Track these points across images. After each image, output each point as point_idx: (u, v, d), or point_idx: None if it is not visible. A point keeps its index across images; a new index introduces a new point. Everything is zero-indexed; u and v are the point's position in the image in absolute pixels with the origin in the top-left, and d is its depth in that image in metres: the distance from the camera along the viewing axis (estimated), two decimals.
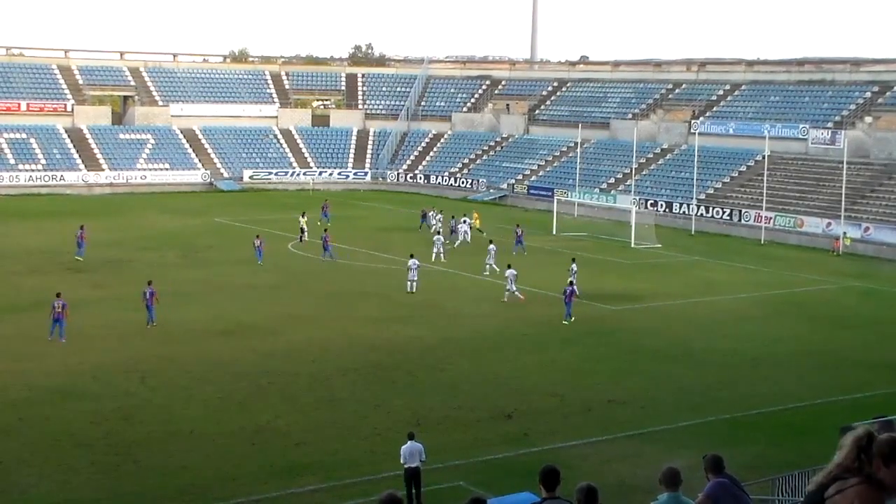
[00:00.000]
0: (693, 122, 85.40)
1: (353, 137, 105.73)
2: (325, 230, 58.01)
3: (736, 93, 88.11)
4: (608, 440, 27.46)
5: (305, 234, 60.36)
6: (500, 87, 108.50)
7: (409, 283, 46.12)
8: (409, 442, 22.96)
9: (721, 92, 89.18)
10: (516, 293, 44.89)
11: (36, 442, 26.48)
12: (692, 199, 73.30)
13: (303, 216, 61.73)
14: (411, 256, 47.31)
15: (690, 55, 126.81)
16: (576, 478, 21.52)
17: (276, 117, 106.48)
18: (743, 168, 77.96)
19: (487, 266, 51.03)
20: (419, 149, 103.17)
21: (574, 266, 46.79)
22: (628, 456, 25.88)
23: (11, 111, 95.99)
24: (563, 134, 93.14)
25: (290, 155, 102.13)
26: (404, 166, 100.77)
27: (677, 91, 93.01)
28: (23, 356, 34.56)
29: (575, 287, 41.98)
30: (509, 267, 46.23)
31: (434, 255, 54.17)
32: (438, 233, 58.76)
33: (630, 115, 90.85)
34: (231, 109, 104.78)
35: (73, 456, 25.52)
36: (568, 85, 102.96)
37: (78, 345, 36.17)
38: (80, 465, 24.97)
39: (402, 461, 22.77)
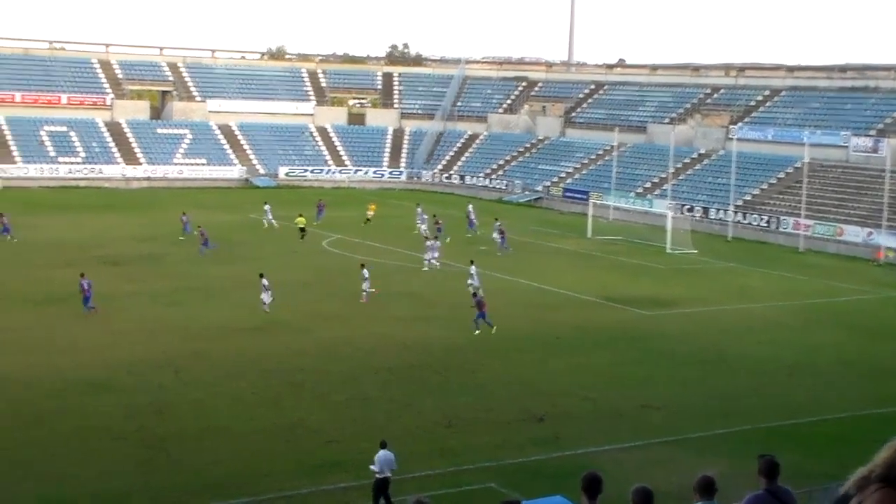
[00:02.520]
0: (731, 127, 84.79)
1: (389, 136, 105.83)
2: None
3: (775, 98, 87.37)
4: (641, 445, 27.25)
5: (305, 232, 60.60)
6: (536, 88, 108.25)
7: (470, 286, 45.03)
8: (381, 451, 22.30)
9: (760, 97, 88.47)
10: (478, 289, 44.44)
11: (71, 434, 26.64)
12: (729, 205, 72.72)
13: (300, 216, 61.79)
14: (472, 263, 46.92)
15: (729, 60, 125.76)
16: (607, 483, 21.40)
17: (313, 115, 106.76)
18: (781, 175, 77.25)
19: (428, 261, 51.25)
20: (455, 149, 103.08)
21: (473, 268, 46.00)
22: (661, 462, 25.65)
23: (52, 104, 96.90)
24: (599, 137, 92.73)
25: (325, 153, 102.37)
26: (439, 166, 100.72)
27: (715, 96, 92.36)
28: (58, 349, 34.81)
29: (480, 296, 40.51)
30: (472, 263, 46.22)
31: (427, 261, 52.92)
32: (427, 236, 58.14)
33: (667, 120, 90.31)
34: (268, 106, 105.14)
35: (107, 449, 25.65)
36: (605, 88, 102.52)
37: (112, 338, 36.39)
38: (114, 457, 25.08)
39: (374, 470, 22.17)
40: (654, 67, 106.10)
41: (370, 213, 68.25)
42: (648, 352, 37.68)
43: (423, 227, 62.52)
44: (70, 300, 41.09)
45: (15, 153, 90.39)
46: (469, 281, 44.86)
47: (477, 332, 38.34)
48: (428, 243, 52.83)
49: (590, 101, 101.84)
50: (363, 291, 43.56)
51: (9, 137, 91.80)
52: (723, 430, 28.63)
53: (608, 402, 30.99)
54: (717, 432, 28.46)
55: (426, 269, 51.92)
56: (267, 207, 66.65)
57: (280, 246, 58.17)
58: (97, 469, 24.30)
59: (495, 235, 60.26)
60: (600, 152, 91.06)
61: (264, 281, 40.89)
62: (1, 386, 30.47)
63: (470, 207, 70.10)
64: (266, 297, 40.76)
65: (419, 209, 66.85)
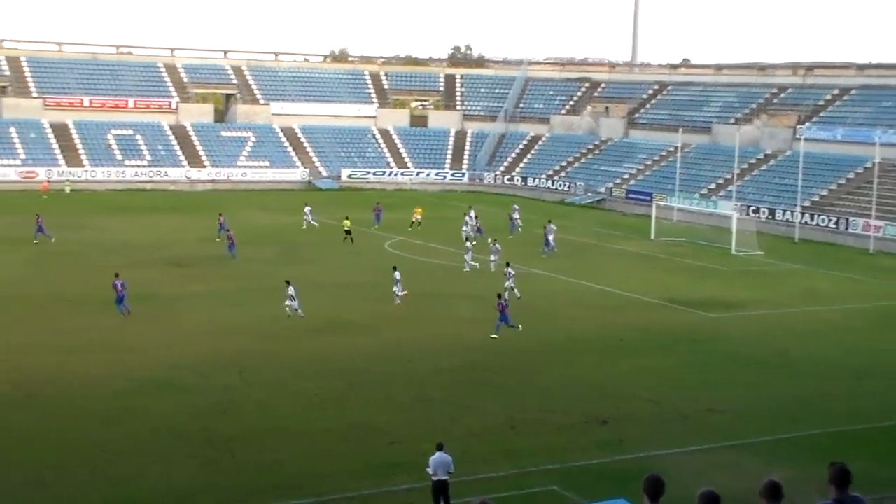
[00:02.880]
0: (798, 127, 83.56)
1: (451, 138, 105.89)
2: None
3: (845, 97, 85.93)
4: (706, 449, 26.91)
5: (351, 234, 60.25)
6: (599, 89, 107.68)
7: (507, 289, 45.06)
8: (437, 453, 22.06)
9: (829, 97, 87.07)
10: (513, 290, 44.36)
11: (137, 433, 26.96)
12: (796, 206, 71.63)
13: (346, 219, 61.64)
14: (507, 265, 46.71)
15: (797, 59, 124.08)
16: (672, 487, 21.14)
17: (375, 117, 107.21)
18: (851, 175, 75.93)
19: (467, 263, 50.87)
20: (517, 150, 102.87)
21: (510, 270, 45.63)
22: (726, 466, 25.31)
23: (119, 108, 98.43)
24: (662, 138, 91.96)
25: (388, 155, 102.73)
26: (502, 168, 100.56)
27: (783, 95, 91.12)
28: (125, 348, 35.28)
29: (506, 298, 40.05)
30: (508, 265, 45.88)
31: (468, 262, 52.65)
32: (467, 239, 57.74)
33: (732, 120, 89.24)
34: (330, 109, 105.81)
35: (172, 448, 25.93)
36: (669, 88, 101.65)
37: (178, 339, 36.81)
38: (179, 456, 25.34)
39: (430, 472, 21.95)
40: (720, 67, 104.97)
41: (417, 217, 68.09)
42: (713, 354, 37.24)
43: (466, 228, 62.15)
44: (137, 301, 41.65)
45: (83, 156, 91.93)
46: (507, 283, 44.66)
47: (494, 335, 37.90)
48: (492, 247, 52.35)
49: (653, 101, 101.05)
50: (395, 294, 43.45)
51: (77, 141, 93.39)
52: (789, 435, 28.18)
53: (672, 405, 30.66)
54: (783, 437, 28.02)
55: (467, 269, 51.85)
56: (308, 209, 67.05)
57: (343, 248, 58.44)
58: (162, 468, 24.55)
59: (549, 237, 59.86)
60: (664, 153, 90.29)
61: (290, 289, 40.10)
62: (69, 386, 30.95)
63: (515, 207, 69.94)
64: (293, 303, 40.02)
65: (472, 212, 66.76)
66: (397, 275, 43.66)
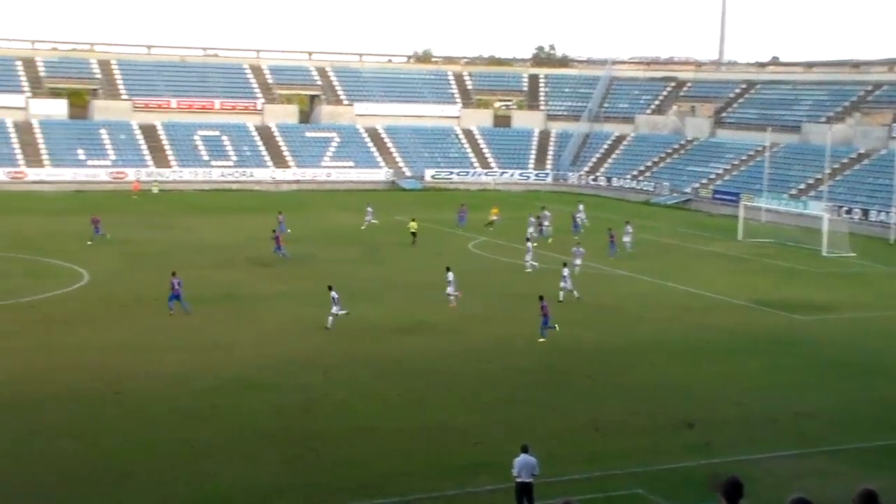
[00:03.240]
0: (894, 125, 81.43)
1: (535, 138, 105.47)
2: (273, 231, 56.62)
3: None
4: (796, 455, 26.25)
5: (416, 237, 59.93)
6: (685, 88, 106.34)
7: (563, 289, 44.45)
8: (521, 455, 21.87)
9: None
10: (571, 292, 43.77)
11: (222, 430, 27.17)
12: (891, 206, 69.79)
13: (413, 221, 61.34)
14: (564, 265, 46.02)
15: (893, 55, 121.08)
16: (761, 492, 20.62)
17: (459, 117, 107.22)
18: None
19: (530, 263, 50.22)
20: (601, 151, 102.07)
21: (566, 270, 44.79)
22: (818, 473, 24.67)
23: (206, 109, 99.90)
24: (750, 137, 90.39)
25: (471, 155, 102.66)
26: (586, 168, 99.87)
27: (877, 93, 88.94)
28: (211, 347, 35.63)
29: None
30: (565, 266, 45.15)
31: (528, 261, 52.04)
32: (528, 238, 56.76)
33: (824, 119, 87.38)
34: (414, 109, 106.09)
35: (256, 446, 26.07)
36: (757, 87, 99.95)
37: (263, 338, 37.08)
38: (264, 454, 25.45)
39: (514, 474, 21.78)
40: (810, 65, 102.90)
41: (493, 217, 67.65)
42: (802, 358, 36.40)
43: (531, 230, 61.44)
44: (222, 301, 42.08)
45: (171, 157, 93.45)
46: (562, 284, 44.06)
47: (542, 339, 37.33)
48: (576, 249, 51.41)
49: (741, 100, 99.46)
50: (449, 296, 43.14)
51: (165, 142, 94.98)
52: (884, 443, 27.33)
53: (761, 409, 29.98)
54: (879, 444, 27.19)
55: (529, 269, 51.30)
56: (370, 209, 67.05)
57: (424, 248, 58.45)
58: (247, 466, 24.67)
59: (626, 239, 58.85)
60: (751, 153, 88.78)
61: (333, 294, 38.52)
62: (156, 384, 31.34)
63: (580, 206, 69.15)
64: (335, 309, 38.35)
65: (545, 212, 66.24)
66: (450, 276, 43.39)
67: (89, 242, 56.79)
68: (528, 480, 21.63)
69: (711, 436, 27.39)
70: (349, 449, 25.98)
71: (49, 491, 22.97)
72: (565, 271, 44.56)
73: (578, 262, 49.90)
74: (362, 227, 65.53)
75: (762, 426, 28.60)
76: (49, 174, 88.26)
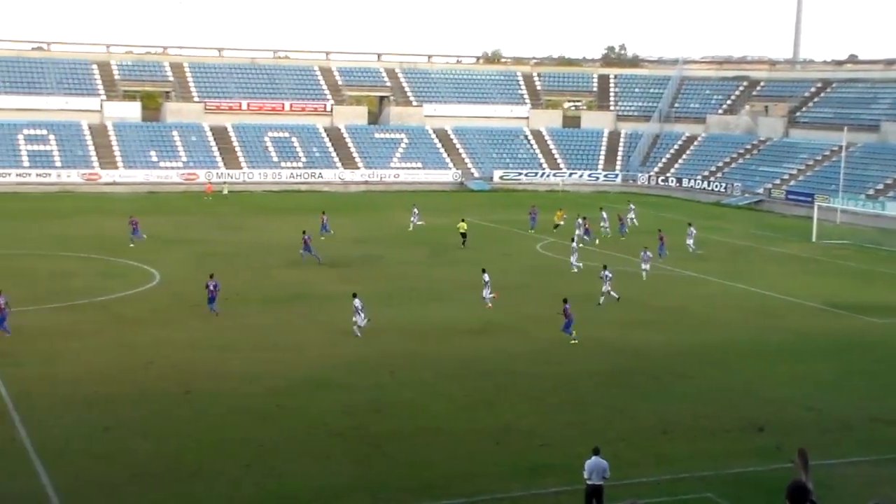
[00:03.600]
0: None
1: (605, 139, 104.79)
2: (304, 231, 55.23)
3: None
4: (872, 461, 25.68)
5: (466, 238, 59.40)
6: (758, 87, 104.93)
7: (604, 293, 43.72)
8: (593, 457, 21.76)
9: None
10: (610, 293, 43.10)
11: (292, 430, 27.32)
12: None
13: (462, 221, 60.86)
14: (604, 268, 45.04)
15: None
16: (835, 498, 20.19)
17: (528, 118, 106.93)
18: None
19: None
20: (672, 151, 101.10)
21: (607, 272, 43.81)
22: (894, 481, 24.06)
23: (276, 111, 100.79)
24: (825, 137, 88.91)
25: (540, 156, 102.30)
26: (656, 169, 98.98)
27: None
28: (280, 347, 35.86)
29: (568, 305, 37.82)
30: (605, 268, 44.40)
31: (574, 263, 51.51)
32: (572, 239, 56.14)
33: None
34: (483, 110, 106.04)
35: (324, 445, 26.17)
36: (833, 85, 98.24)
37: (333, 338, 37.25)
38: (331, 454, 25.55)
39: (585, 476, 21.67)
40: (890, 62, 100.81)
41: (560, 221, 67.07)
42: (878, 362, 35.62)
43: (579, 231, 60.68)
44: (292, 301, 42.35)
45: (241, 159, 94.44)
46: (604, 288, 43.46)
47: (573, 341, 36.83)
48: (643, 253, 50.60)
49: (816, 99, 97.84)
50: (484, 297, 42.80)
51: (235, 144, 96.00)
52: None
53: (834, 414, 29.40)
54: None
55: (575, 270, 50.88)
56: (416, 210, 67.02)
57: (492, 249, 58.32)
58: (316, 465, 24.79)
59: (689, 241, 57.89)
60: (827, 153, 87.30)
61: (356, 302, 37.44)
62: (227, 383, 31.63)
63: (631, 206, 68.28)
64: (359, 319, 37.27)
65: (603, 213, 65.66)
66: (486, 277, 43.11)
67: (131, 245, 57.20)
68: (598, 483, 21.47)
69: (782, 440, 26.86)
70: (416, 449, 25.98)
71: (120, 488, 23.26)
72: (605, 273, 43.90)
73: (647, 266, 49.11)
74: (409, 229, 65.44)
75: (835, 431, 28.04)
76: (122, 176, 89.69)
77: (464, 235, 59.24)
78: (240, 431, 27.09)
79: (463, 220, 60.56)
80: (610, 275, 43.80)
